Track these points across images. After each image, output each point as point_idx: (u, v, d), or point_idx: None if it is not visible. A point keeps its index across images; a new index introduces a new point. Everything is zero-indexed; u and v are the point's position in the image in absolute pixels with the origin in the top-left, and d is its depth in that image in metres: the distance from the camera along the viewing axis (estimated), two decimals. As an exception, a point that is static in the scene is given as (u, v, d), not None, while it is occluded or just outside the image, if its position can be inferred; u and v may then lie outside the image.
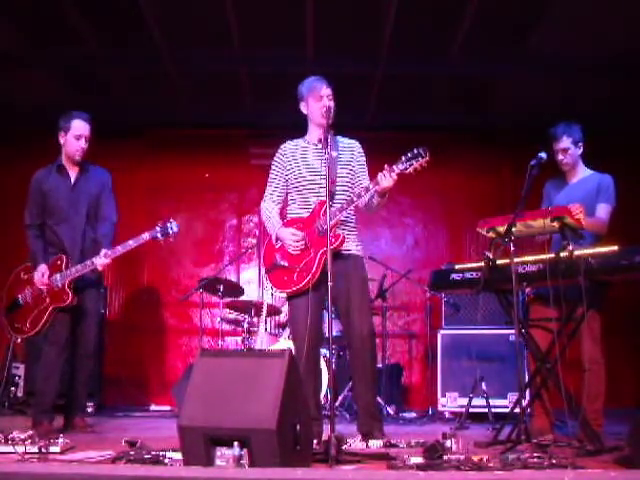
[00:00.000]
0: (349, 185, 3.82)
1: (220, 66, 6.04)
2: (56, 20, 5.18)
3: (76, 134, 4.28)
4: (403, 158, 3.48)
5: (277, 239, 3.80)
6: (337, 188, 3.76)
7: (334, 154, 3.76)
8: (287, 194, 3.91)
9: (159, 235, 4.15)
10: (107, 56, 5.82)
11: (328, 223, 3.32)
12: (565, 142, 3.89)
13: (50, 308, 4.19)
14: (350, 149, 3.90)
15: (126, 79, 6.30)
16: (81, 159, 4.35)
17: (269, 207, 3.90)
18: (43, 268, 4.22)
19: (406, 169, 3.48)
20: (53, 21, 5.22)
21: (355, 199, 3.63)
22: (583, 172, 3.98)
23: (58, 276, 4.20)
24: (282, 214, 3.95)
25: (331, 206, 3.56)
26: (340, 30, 5.39)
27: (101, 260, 4.12)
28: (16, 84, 6.21)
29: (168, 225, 4.15)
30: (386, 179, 3.49)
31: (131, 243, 4.14)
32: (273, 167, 3.91)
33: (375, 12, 5.08)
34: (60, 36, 5.47)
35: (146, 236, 4.14)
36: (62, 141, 4.34)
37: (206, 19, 5.24)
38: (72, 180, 4.38)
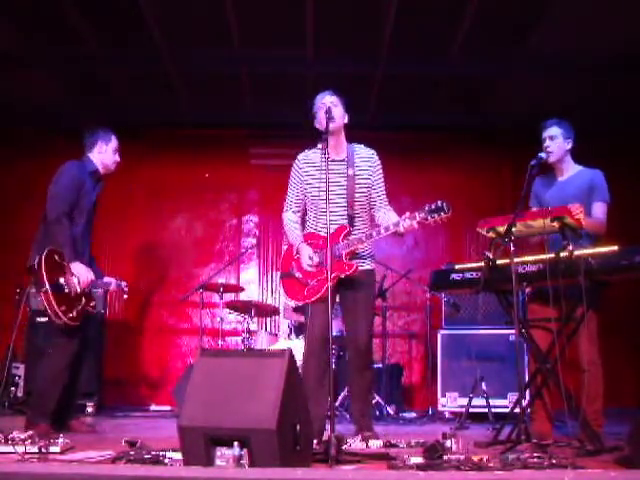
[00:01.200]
0: (367, 204, 3.88)
1: (220, 66, 6.04)
2: (56, 20, 5.18)
3: (115, 147, 4.46)
4: (426, 208, 3.55)
5: (297, 252, 3.86)
6: (355, 208, 3.81)
7: (350, 172, 3.81)
8: (305, 203, 3.95)
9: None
10: (107, 56, 5.82)
11: (328, 222, 3.32)
12: (554, 130, 3.89)
13: (85, 308, 4.12)
14: (368, 162, 3.89)
15: (126, 79, 6.30)
16: (111, 172, 4.50)
17: (291, 218, 3.95)
18: (85, 267, 4.11)
19: (426, 219, 3.56)
20: (53, 21, 5.22)
21: (375, 235, 3.70)
22: (572, 168, 3.97)
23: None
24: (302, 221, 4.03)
25: (350, 233, 3.74)
26: (340, 30, 5.39)
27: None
28: (16, 84, 6.21)
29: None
30: (406, 226, 3.59)
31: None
32: (291, 178, 3.95)
33: (375, 12, 5.08)
34: (60, 36, 5.47)
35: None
36: (102, 150, 4.42)
37: (206, 19, 5.24)
38: (95, 194, 4.43)
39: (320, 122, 3.76)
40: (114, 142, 4.46)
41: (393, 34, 5.33)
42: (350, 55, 5.84)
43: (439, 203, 3.52)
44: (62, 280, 4.00)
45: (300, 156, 3.94)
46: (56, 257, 4.02)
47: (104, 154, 4.43)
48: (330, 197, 3.74)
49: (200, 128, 7.15)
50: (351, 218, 3.79)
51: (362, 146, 3.95)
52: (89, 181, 4.33)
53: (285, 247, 4.10)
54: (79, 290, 4.04)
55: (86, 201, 4.28)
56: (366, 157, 3.90)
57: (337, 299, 3.86)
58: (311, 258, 3.76)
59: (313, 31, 5.38)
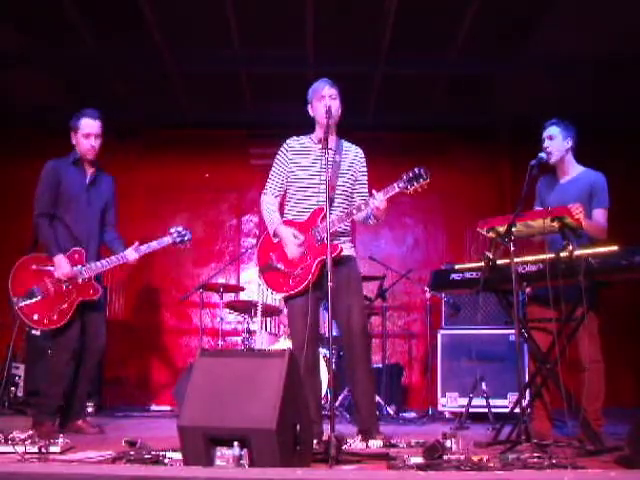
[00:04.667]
0: (348, 192, 3.83)
1: (220, 66, 6.04)
2: (56, 20, 5.18)
3: (84, 133, 4.27)
4: (404, 177, 3.50)
5: (275, 235, 3.78)
6: (336, 194, 3.76)
7: (337, 158, 3.78)
8: (286, 190, 3.90)
9: (177, 240, 4.39)
10: (107, 56, 5.82)
11: (328, 224, 3.32)
12: (552, 130, 3.89)
13: (78, 301, 4.12)
14: (353, 156, 3.88)
15: (126, 79, 6.30)
16: (94, 157, 4.34)
17: (270, 201, 3.88)
18: (63, 259, 4.11)
19: (407, 188, 3.50)
20: (53, 21, 5.22)
21: (354, 212, 3.65)
22: (574, 169, 3.95)
23: (82, 269, 4.15)
24: (280, 210, 3.94)
25: (330, 213, 3.60)
26: (340, 30, 5.39)
27: (134, 255, 4.22)
28: (16, 84, 6.21)
29: (184, 233, 4.42)
30: (379, 203, 3.54)
31: (154, 244, 4.31)
32: (276, 161, 3.89)
33: (375, 12, 5.09)
34: (60, 36, 5.47)
35: (168, 239, 4.36)
36: (74, 141, 4.33)
37: (206, 19, 5.24)
38: (87, 179, 4.36)
39: (320, 120, 3.76)
40: (83, 127, 4.25)
41: (393, 34, 5.33)
42: (350, 55, 5.83)
43: (416, 170, 3.47)
44: (35, 287, 4.11)
45: (288, 141, 3.90)
46: (33, 266, 4.14)
47: (77, 144, 4.30)
48: (312, 182, 3.74)
49: (200, 128, 7.15)
50: (331, 201, 3.65)
51: (350, 143, 3.95)
52: (71, 171, 4.30)
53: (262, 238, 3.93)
54: (63, 285, 4.09)
55: (68, 193, 4.25)
56: (353, 151, 3.91)
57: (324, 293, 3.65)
58: (296, 237, 3.67)
59: (313, 31, 5.38)
